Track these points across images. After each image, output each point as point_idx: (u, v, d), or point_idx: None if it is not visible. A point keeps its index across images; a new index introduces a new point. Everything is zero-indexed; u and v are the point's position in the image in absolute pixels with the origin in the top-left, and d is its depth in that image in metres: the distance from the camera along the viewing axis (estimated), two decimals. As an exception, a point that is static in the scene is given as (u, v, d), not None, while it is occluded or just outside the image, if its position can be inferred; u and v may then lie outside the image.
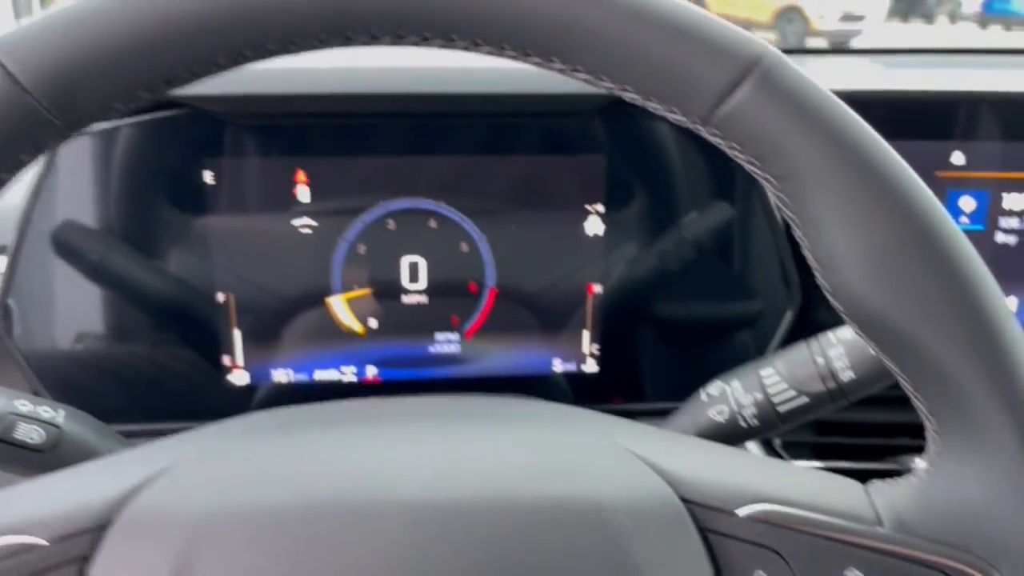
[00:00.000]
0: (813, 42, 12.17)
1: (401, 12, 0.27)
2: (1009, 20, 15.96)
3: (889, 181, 0.28)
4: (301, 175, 0.59)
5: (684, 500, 0.33)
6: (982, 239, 0.65)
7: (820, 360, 0.49)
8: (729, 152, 0.29)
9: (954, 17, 17.52)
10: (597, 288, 0.64)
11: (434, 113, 0.60)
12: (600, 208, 0.62)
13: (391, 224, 0.61)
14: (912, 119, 0.63)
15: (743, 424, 0.51)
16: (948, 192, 0.64)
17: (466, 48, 0.28)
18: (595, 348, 0.65)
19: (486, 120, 0.61)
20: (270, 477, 0.33)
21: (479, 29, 0.27)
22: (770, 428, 0.51)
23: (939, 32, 16.17)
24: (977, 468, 0.30)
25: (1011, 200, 0.64)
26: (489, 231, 0.62)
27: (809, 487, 0.33)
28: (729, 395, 0.51)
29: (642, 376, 0.67)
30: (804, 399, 0.49)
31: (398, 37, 0.27)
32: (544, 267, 0.63)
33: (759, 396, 0.50)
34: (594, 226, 0.63)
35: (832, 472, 0.35)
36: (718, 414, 0.51)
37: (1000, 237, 0.65)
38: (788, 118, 0.28)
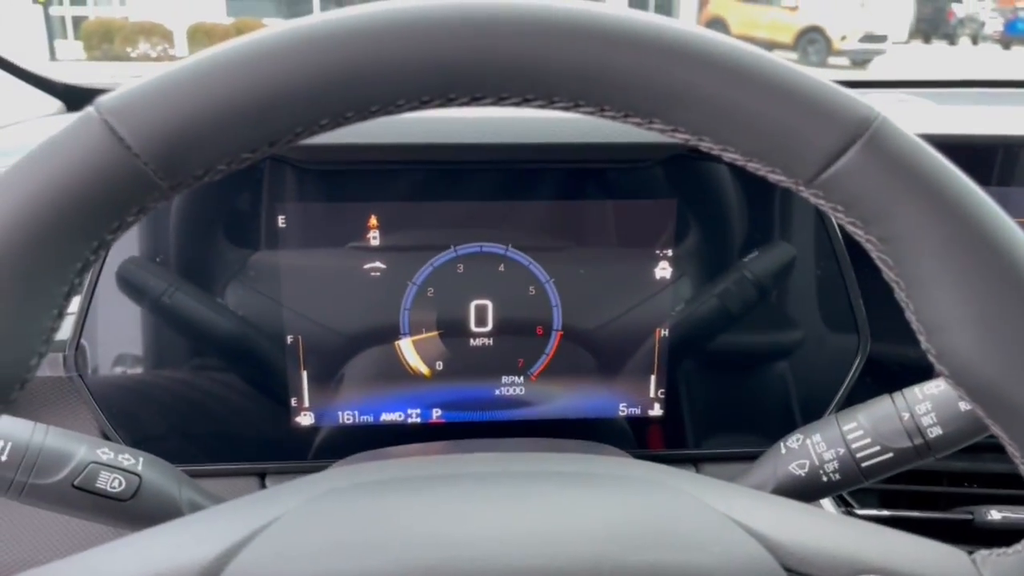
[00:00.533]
0: (834, 62, 12.17)
1: (506, 75, 0.26)
2: (1033, 41, 15.87)
3: (1002, 245, 0.27)
4: (373, 219, 0.59)
5: (787, 569, 0.32)
6: None
7: (906, 415, 0.48)
8: (830, 213, 0.29)
9: (976, 38, 17.45)
10: (664, 332, 0.64)
11: (506, 160, 0.60)
12: (669, 252, 0.62)
13: (460, 267, 0.61)
14: (989, 164, 0.63)
15: (824, 478, 0.50)
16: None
17: (565, 108, 0.28)
18: (661, 392, 0.65)
19: (557, 168, 0.61)
20: (370, 542, 0.33)
21: (581, 92, 0.27)
22: (852, 483, 0.50)
23: (961, 53, 16.10)
24: None
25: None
26: (557, 274, 0.62)
27: (914, 557, 0.33)
28: (810, 448, 0.50)
29: (709, 421, 0.66)
30: (889, 455, 0.49)
31: (500, 99, 0.27)
32: (611, 310, 0.63)
33: (841, 450, 0.49)
34: (663, 270, 0.62)
35: (913, 530, 0.34)
36: (799, 467, 0.50)
37: None
38: (896, 182, 0.27)
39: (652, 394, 0.65)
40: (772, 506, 0.38)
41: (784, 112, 0.27)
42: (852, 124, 0.27)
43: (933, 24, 17.33)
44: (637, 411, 0.65)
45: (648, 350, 0.64)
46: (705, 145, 0.28)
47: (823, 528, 0.35)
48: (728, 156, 0.28)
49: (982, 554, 0.33)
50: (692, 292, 0.64)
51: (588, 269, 0.62)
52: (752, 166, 0.28)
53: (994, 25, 17.43)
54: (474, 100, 0.27)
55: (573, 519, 0.34)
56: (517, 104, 0.28)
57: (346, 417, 0.64)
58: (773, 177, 0.28)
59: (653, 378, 0.65)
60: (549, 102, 0.27)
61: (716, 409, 0.66)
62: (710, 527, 0.34)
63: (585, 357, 0.64)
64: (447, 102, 0.27)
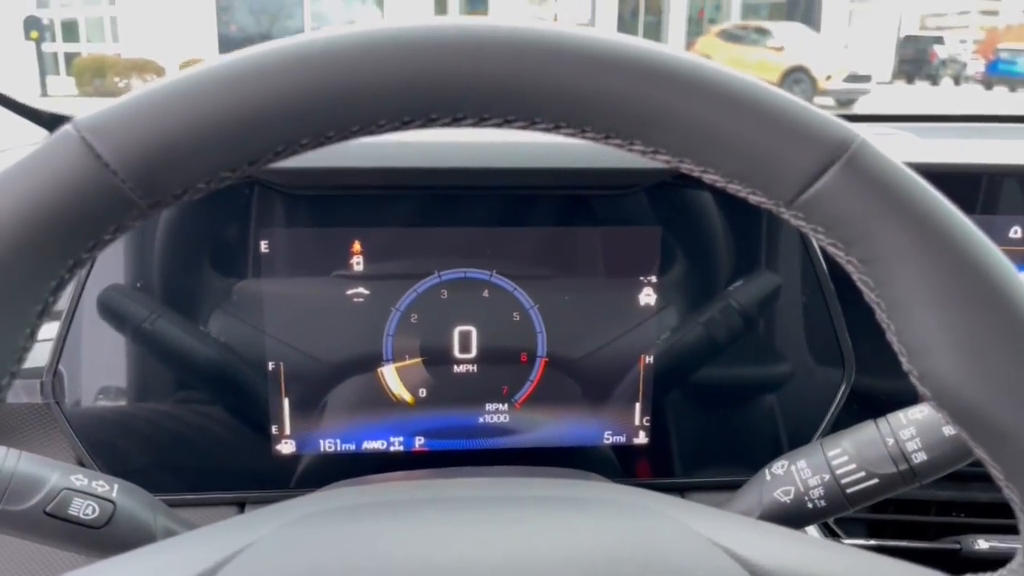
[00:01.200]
0: (820, 101, 12.37)
1: (487, 96, 0.26)
2: (1014, 81, 16.19)
3: (982, 267, 0.27)
4: (357, 245, 0.59)
5: None
6: None
7: (891, 441, 0.48)
8: (811, 235, 0.28)
9: (958, 79, 17.79)
10: (649, 359, 0.63)
11: (491, 187, 0.60)
12: (653, 279, 0.62)
13: (444, 293, 0.61)
14: (971, 193, 0.63)
15: (809, 505, 0.49)
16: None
17: (547, 130, 0.28)
18: (647, 420, 0.64)
19: (541, 194, 0.61)
20: (347, 567, 0.32)
21: (563, 113, 0.27)
22: (837, 510, 0.49)
23: (944, 93, 16.39)
24: None
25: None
26: (542, 301, 0.62)
27: None
28: (795, 475, 0.50)
29: (694, 450, 0.66)
30: (874, 481, 0.48)
31: (482, 119, 0.27)
32: (596, 338, 0.63)
33: (826, 477, 0.49)
34: (648, 297, 0.62)
35: (893, 554, 0.34)
36: (784, 494, 0.50)
37: None
38: (875, 202, 0.27)
39: (637, 422, 0.64)
40: (758, 531, 0.37)
41: (764, 133, 0.27)
42: (831, 145, 0.27)
43: (916, 65, 17.68)
44: (622, 439, 0.65)
45: (633, 378, 0.64)
46: (686, 167, 0.28)
47: (809, 554, 0.34)
48: (708, 178, 0.28)
49: None
50: (677, 320, 0.63)
51: (573, 296, 0.62)
52: (732, 188, 0.28)
53: (975, 66, 17.79)
54: (455, 121, 0.27)
55: (556, 543, 0.33)
56: (499, 125, 0.28)
57: (328, 445, 0.63)
58: (754, 199, 0.28)
59: (638, 406, 0.64)
60: (530, 123, 0.27)
61: (702, 437, 0.66)
62: (695, 552, 0.33)
63: (570, 384, 0.64)
64: (428, 123, 0.27)
